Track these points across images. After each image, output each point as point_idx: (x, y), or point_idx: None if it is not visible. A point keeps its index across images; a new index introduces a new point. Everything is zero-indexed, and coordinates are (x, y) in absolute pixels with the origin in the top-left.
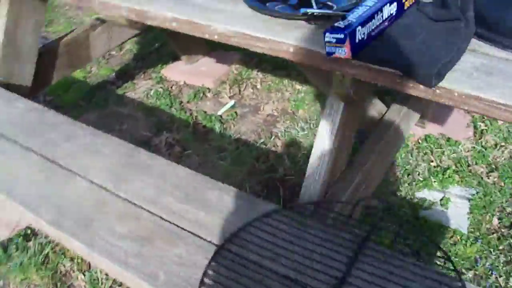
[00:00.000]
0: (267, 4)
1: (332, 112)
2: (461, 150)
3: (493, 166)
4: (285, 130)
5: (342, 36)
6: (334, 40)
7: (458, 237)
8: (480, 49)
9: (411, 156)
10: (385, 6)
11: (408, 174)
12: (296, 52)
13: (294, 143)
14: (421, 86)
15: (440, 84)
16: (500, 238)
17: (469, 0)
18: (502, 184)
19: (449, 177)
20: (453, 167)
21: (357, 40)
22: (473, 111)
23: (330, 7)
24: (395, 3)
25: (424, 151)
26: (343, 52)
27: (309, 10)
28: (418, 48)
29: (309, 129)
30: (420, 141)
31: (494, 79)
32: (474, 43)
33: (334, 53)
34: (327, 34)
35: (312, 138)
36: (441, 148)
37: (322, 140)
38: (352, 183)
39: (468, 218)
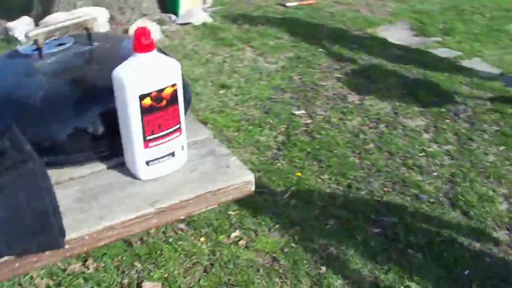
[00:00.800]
0: None
1: None
2: None
3: None
4: None
5: None
6: None
7: None
8: (63, 177)
9: None
10: None
11: None
12: None
13: None
14: (47, 252)
15: (66, 237)
16: None
17: (17, 134)
18: None
19: None
20: None
21: None
22: (112, 240)
23: None
24: None
25: None
26: None
27: None
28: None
29: None
30: None
31: (101, 200)
32: (57, 174)
33: None
34: None
35: None
36: None
37: None
38: None
39: None
